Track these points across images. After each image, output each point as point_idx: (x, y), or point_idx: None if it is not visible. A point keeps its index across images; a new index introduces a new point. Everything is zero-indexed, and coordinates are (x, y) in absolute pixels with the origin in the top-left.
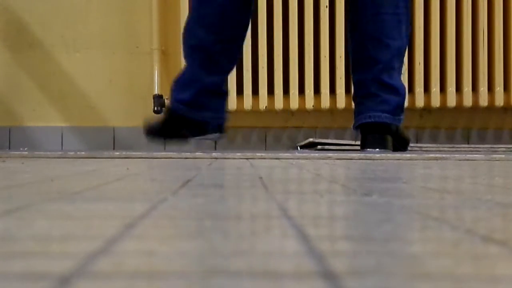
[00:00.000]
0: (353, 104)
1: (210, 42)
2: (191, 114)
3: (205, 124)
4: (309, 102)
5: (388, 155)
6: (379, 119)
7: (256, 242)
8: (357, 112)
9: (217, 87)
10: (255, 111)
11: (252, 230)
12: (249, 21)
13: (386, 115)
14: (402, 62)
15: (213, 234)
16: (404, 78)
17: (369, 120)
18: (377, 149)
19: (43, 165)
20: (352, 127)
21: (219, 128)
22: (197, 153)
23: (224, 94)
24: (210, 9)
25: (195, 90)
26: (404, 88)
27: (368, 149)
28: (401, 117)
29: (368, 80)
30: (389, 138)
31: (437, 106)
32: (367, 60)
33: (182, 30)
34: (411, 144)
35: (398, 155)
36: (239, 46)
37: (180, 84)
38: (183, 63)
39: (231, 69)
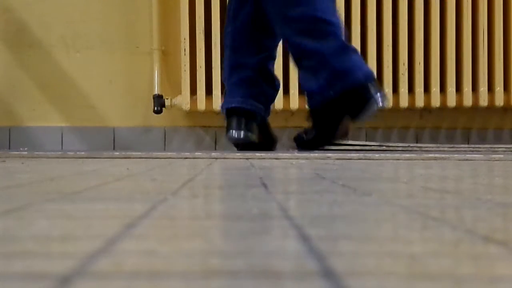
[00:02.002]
0: None
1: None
2: (338, 87)
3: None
4: None
5: (388, 155)
6: (252, 108)
7: (256, 242)
8: (231, 95)
9: (342, 46)
10: None
11: (252, 230)
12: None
13: (261, 106)
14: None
15: (213, 234)
16: (404, 78)
17: (243, 106)
18: (242, 133)
19: (43, 165)
20: (220, 106)
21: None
22: (197, 153)
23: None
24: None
25: (332, 62)
26: (279, 83)
27: (232, 131)
28: (269, 110)
29: (253, 64)
30: (255, 126)
31: (437, 106)
32: (253, 43)
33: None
34: (411, 144)
35: (397, 155)
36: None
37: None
38: (183, 63)
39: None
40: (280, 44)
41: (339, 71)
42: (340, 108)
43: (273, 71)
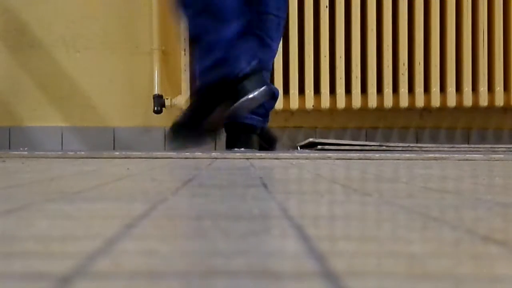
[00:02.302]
0: (353, 103)
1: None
2: (223, 72)
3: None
4: (309, 102)
5: (388, 155)
6: (251, 121)
7: (256, 242)
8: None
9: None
10: None
11: (252, 230)
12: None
13: (259, 118)
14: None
15: (213, 234)
16: (404, 78)
17: (240, 121)
18: (243, 149)
19: (43, 165)
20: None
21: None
22: (197, 153)
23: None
24: None
25: (223, 46)
26: (278, 91)
27: (235, 149)
28: (269, 118)
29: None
30: (255, 138)
31: (437, 106)
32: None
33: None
34: (411, 144)
35: (397, 155)
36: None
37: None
38: (183, 63)
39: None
40: (280, 45)
41: (223, 58)
42: (214, 96)
43: (268, 81)
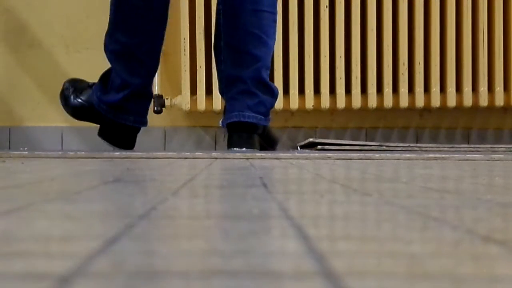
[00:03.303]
0: (353, 103)
1: (133, 44)
2: (112, 115)
3: (126, 130)
4: (309, 102)
5: (388, 155)
6: (252, 120)
7: (256, 242)
8: (230, 109)
9: (141, 89)
10: None
11: (252, 230)
12: (166, 18)
13: (261, 116)
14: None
15: (213, 234)
16: (404, 78)
17: (242, 120)
18: (244, 149)
19: (43, 165)
20: (220, 122)
21: (135, 135)
22: (197, 153)
23: (148, 95)
24: (126, 12)
25: (120, 94)
26: (277, 90)
27: (235, 149)
28: (270, 117)
29: (248, 77)
30: (257, 138)
31: (437, 106)
32: (246, 56)
33: (105, 38)
34: (411, 144)
35: (397, 155)
36: (160, 45)
37: (104, 81)
38: (183, 63)
39: (155, 69)
40: (280, 45)
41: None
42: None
43: (268, 79)
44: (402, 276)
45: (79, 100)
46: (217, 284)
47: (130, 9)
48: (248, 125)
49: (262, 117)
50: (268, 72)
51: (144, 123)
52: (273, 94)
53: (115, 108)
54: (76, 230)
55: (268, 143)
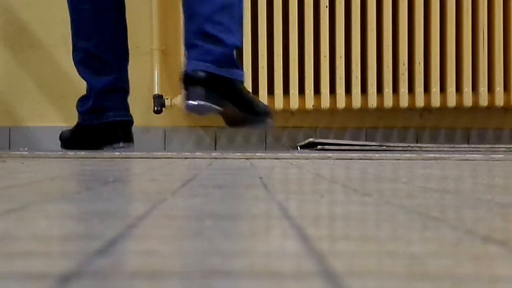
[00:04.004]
0: (353, 103)
1: (91, 46)
2: (94, 120)
3: (112, 127)
4: (309, 102)
5: (388, 155)
6: (198, 67)
7: (256, 242)
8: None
9: (112, 85)
10: None
11: (252, 230)
12: (124, 15)
13: (208, 64)
14: (238, 23)
15: (213, 234)
16: (404, 78)
17: (187, 70)
18: (201, 102)
19: (43, 165)
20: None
21: (126, 129)
22: (197, 153)
23: (122, 90)
24: (81, 19)
25: (94, 96)
26: (233, 41)
27: (190, 102)
28: (235, 71)
29: (191, 31)
30: (215, 93)
31: (437, 106)
32: (190, 13)
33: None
34: (411, 144)
35: (397, 155)
36: (123, 41)
37: (82, 98)
38: (183, 63)
39: (123, 64)
40: (280, 44)
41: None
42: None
43: (216, 31)
44: (402, 276)
45: (68, 131)
46: (217, 284)
47: (83, 16)
48: (197, 76)
49: (209, 64)
50: (221, 26)
51: (126, 116)
52: (223, 44)
53: (94, 112)
54: (76, 230)
55: (246, 108)
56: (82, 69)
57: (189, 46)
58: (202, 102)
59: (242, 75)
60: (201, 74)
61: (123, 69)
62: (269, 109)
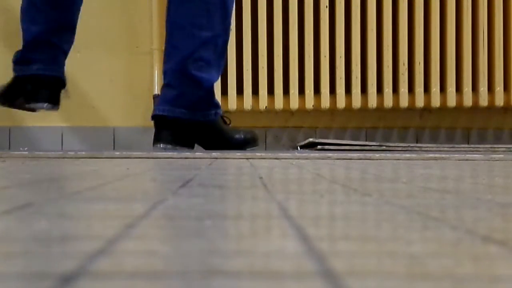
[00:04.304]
0: (353, 103)
1: None
2: (20, 71)
3: (35, 82)
4: (309, 102)
5: (388, 155)
6: (171, 113)
7: (256, 242)
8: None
9: (44, 38)
10: (255, 111)
11: (252, 230)
12: None
13: (182, 110)
14: (220, 56)
15: (213, 234)
16: (404, 78)
17: (161, 113)
18: (169, 146)
19: (43, 165)
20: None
21: (53, 89)
22: (197, 153)
23: (55, 46)
24: None
25: (26, 45)
26: (212, 78)
27: (159, 145)
28: (210, 112)
29: (169, 69)
30: (186, 136)
31: (437, 106)
32: (171, 49)
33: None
34: (411, 144)
35: (397, 155)
36: None
37: (20, 49)
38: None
39: (60, 18)
40: (280, 44)
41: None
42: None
43: (197, 72)
44: (402, 276)
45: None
46: (217, 284)
47: None
48: (169, 119)
49: (183, 110)
50: (204, 64)
51: (52, 70)
52: (201, 87)
53: (20, 63)
54: (76, 230)
55: (222, 144)
56: (22, 17)
57: (165, 84)
58: (169, 146)
59: (217, 113)
60: (172, 119)
61: (56, 25)
62: (252, 134)
